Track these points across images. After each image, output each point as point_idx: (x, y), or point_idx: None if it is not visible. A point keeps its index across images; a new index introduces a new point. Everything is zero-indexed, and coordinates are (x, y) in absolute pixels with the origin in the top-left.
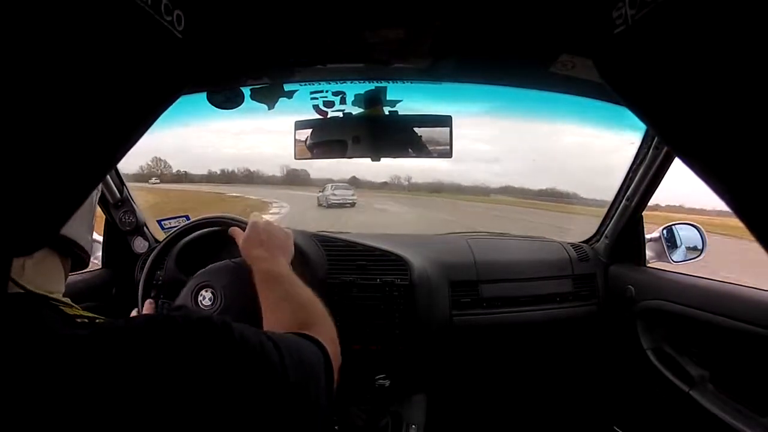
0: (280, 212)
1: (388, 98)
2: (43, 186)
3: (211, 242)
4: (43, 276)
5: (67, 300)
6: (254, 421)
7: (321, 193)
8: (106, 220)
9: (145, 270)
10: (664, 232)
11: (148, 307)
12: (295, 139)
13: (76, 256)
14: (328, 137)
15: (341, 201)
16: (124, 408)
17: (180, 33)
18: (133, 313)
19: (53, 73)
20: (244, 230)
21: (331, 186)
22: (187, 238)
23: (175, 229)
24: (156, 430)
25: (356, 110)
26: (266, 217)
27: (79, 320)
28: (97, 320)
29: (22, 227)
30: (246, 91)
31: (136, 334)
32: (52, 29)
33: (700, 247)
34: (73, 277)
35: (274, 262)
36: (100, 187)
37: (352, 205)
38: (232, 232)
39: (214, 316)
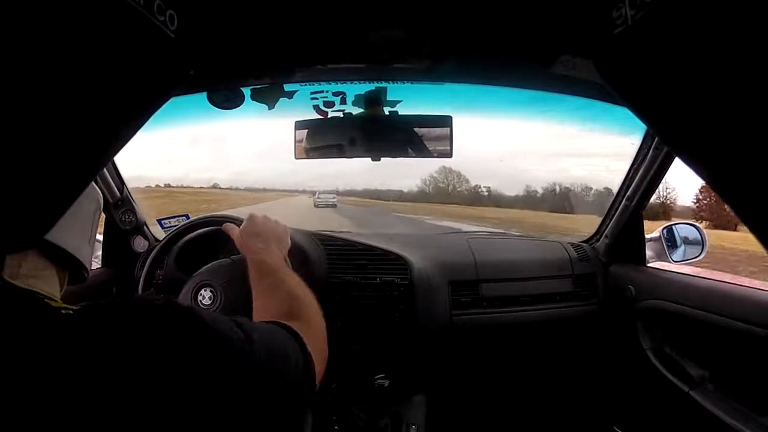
0: None
1: (388, 98)
2: (31, 184)
3: (210, 241)
4: (37, 278)
5: (55, 297)
6: (221, 402)
7: (313, 197)
8: (106, 219)
9: (145, 269)
10: (664, 231)
11: None
12: (295, 139)
13: (75, 269)
14: (328, 137)
15: (324, 203)
16: (89, 387)
17: (172, 33)
18: None
19: (43, 70)
20: (238, 226)
21: (319, 192)
22: (186, 237)
23: (175, 228)
24: (118, 410)
25: (356, 110)
26: None
27: (63, 311)
28: None
29: (10, 225)
30: (246, 91)
31: (107, 317)
32: (44, 27)
33: (700, 246)
34: None
35: (268, 253)
36: (101, 202)
37: (334, 206)
38: (225, 228)
39: (179, 303)
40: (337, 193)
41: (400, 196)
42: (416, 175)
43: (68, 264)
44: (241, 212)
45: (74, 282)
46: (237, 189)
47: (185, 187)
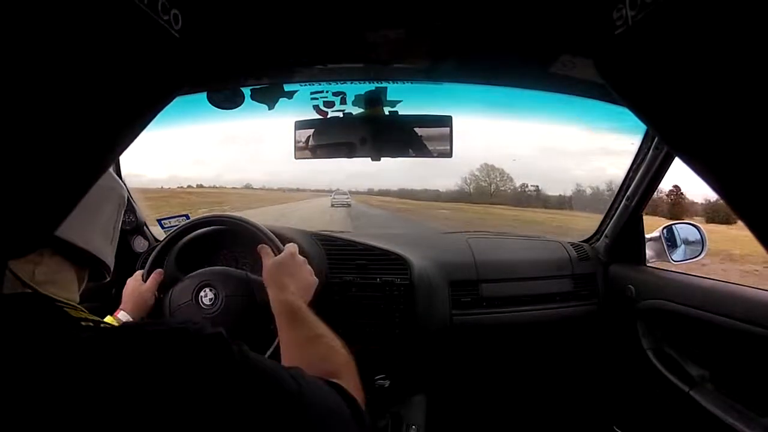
0: None
1: (388, 98)
2: (36, 185)
3: (211, 241)
4: (55, 283)
5: (74, 303)
6: None
7: (330, 197)
8: None
9: (146, 269)
10: (664, 231)
11: (155, 276)
12: (295, 139)
13: (95, 267)
14: (328, 137)
15: (340, 203)
16: (119, 415)
17: (177, 32)
18: (134, 277)
19: (48, 70)
20: (273, 251)
21: (334, 192)
22: (186, 237)
23: (175, 228)
24: None
25: (356, 110)
26: None
27: (83, 323)
28: (102, 324)
29: (14, 227)
30: (246, 91)
31: (143, 342)
32: (48, 27)
33: (700, 246)
34: None
35: (297, 297)
36: (124, 197)
37: (348, 205)
38: (261, 250)
39: (228, 337)
40: (372, 192)
41: (438, 196)
42: (456, 174)
43: (88, 262)
44: (251, 214)
45: (94, 280)
46: (270, 189)
47: (196, 188)
